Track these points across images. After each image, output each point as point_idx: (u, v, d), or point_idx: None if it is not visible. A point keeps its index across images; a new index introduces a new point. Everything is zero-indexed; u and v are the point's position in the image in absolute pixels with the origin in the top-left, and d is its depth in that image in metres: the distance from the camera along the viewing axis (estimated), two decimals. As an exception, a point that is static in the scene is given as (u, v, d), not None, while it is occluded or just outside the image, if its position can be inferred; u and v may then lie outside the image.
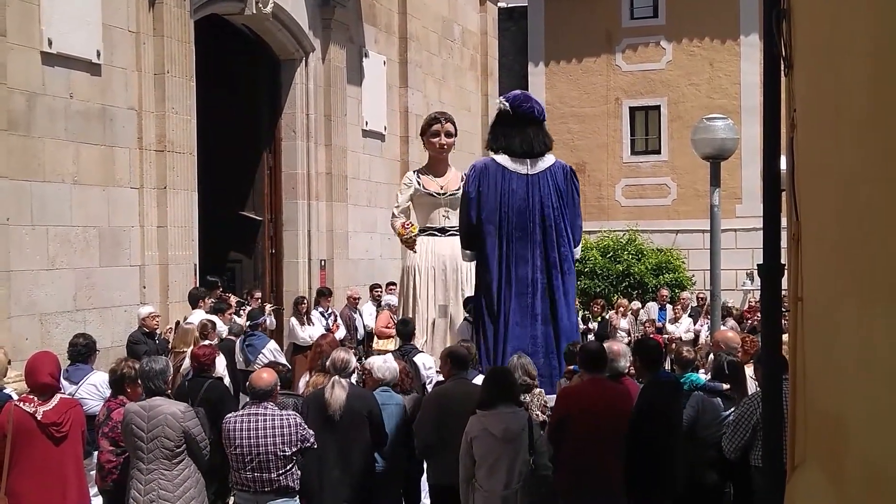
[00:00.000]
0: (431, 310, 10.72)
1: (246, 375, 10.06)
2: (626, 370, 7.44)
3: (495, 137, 9.66)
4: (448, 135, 11.05)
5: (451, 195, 10.86)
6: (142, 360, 6.93)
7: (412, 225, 10.66)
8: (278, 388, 6.63)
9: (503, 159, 9.38)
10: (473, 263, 9.67)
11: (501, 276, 9.28)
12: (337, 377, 6.75)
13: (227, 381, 9.46)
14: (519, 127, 9.42)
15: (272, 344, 10.57)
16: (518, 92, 10.10)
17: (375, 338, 13.19)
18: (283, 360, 10.14)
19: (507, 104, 9.52)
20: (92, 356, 8.43)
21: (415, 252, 10.72)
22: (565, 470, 6.44)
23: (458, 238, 9.99)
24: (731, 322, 14.68)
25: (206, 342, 9.44)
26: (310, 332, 12.64)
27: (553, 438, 6.57)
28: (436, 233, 10.92)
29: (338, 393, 6.63)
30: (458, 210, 10.06)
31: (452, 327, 10.53)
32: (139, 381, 6.73)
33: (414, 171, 11.30)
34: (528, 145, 9.38)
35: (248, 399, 9.48)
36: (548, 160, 9.47)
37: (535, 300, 9.23)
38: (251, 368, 10.04)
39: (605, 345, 7.40)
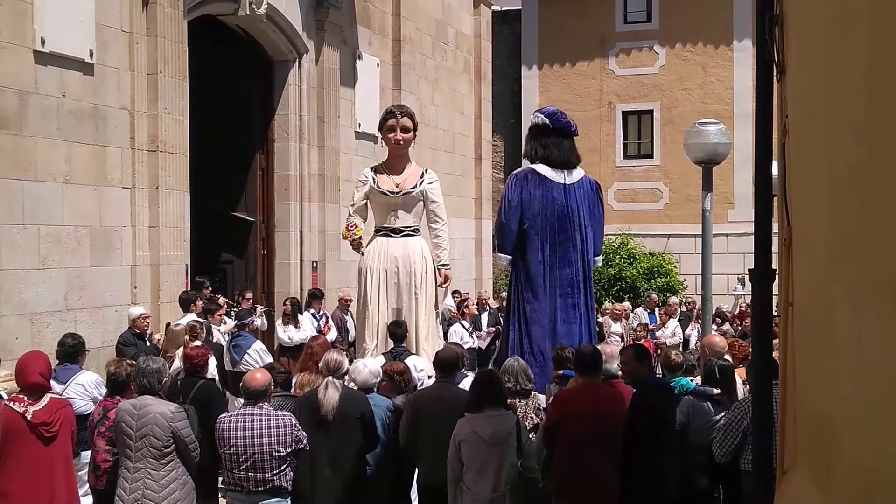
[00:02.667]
0: (384, 314, 10.10)
1: (233, 376, 10.06)
2: (619, 372, 7.45)
3: (534, 148, 10.37)
4: (404, 129, 10.34)
5: (404, 194, 10.28)
6: (139, 358, 6.95)
7: (356, 226, 10.15)
8: (272, 388, 6.62)
9: (543, 169, 10.09)
10: (429, 268, 10.11)
11: (546, 279, 9.95)
12: (330, 378, 6.76)
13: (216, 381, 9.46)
14: (556, 139, 10.13)
15: (258, 344, 10.50)
16: (553, 108, 10.81)
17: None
18: (269, 360, 10.09)
19: (544, 118, 10.25)
20: (80, 356, 8.42)
21: (361, 254, 10.31)
22: (558, 473, 6.44)
23: (411, 238, 10.17)
24: (725, 326, 14.68)
25: (197, 343, 9.42)
26: (290, 334, 12.66)
27: (546, 441, 6.58)
28: (389, 233, 10.30)
29: (331, 394, 6.65)
30: (412, 210, 10.25)
31: (409, 333, 9.97)
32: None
33: (371, 168, 10.69)
34: (565, 156, 10.10)
35: (235, 399, 9.54)
36: (579, 173, 10.22)
37: (578, 299, 10.04)
38: (237, 369, 10.02)
39: (598, 347, 7.43)
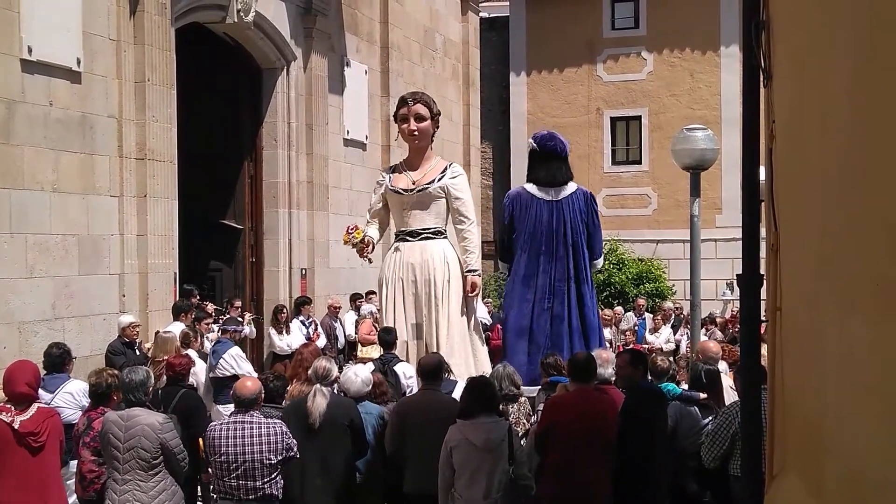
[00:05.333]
0: (403, 330, 9.25)
1: (211, 381, 9.96)
2: (612, 378, 7.47)
3: (528, 170, 11.26)
4: (419, 118, 9.41)
5: (419, 191, 9.40)
6: (122, 371, 6.89)
7: (356, 228, 9.35)
8: (262, 396, 6.58)
9: (532, 188, 10.87)
10: (453, 275, 9.82)
11: (528, 286, 10.64)
12: (319, 385, 6.75)
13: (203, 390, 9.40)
14: (545, 161, 10.90)
15: (235, 350, 10.16)
16: (545, 132, 11.68)
17: (359, 345, 13.18)
18: (246, 365, 9.85)
19: (535, 144, 11.05)
20: (67, 364, 8.37)
21: (368, 261, 9.61)
22: (551, 478, 6.44)
23: (430, 241, 9.53)
24: (717, 333, 14.71)
25: (190, 351, 9.39)
26: (287, 341, 12.62)
27: (539, 447, 6.58)
28: (406, 237, 9.49)
29: (319, 401, 6.64)
30: (429, 209, 9.53)
31: (430, 349, 9.21)
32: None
33: (390, 166, 10.06)
34: (551, 176, 10.85)
35: (212, 405, 9.47)
36: (570, 188, 10.92)
37: (554, 304, 10.60)
38: (213, 374, 9.91)
39: (593, 352, 7.46)
